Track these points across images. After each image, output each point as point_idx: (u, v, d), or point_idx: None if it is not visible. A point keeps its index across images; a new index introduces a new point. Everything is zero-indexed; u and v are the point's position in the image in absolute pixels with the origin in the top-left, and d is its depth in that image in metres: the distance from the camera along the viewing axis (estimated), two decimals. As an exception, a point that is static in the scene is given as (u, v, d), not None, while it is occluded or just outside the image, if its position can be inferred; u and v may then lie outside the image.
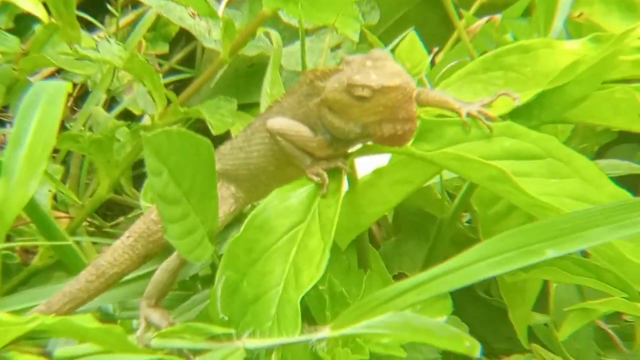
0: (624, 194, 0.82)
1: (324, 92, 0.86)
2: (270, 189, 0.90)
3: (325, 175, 0.88)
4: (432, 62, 1.27)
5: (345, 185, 0.88)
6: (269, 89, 1.18)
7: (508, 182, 0.80)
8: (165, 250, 0.96)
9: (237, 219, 0.98)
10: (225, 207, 0.96)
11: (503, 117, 0.89)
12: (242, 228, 0.85)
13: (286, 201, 0.87)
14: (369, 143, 0.91)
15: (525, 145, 0.85)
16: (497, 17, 1.19)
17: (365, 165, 0.93)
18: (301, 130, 0.90)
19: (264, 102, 1.16)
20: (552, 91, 0.91)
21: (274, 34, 1.37)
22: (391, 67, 0.83)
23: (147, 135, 0.82)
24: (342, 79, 0.84)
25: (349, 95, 0.84)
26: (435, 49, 1.26)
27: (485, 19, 1.21)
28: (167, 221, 0.85)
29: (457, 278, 0.68)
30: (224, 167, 0.96)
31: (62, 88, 0.94)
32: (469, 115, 0.87)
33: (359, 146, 0.91)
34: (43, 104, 0.92)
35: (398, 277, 1.17)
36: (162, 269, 0.95)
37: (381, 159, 0.92)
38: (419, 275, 0.69)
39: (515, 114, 0.90)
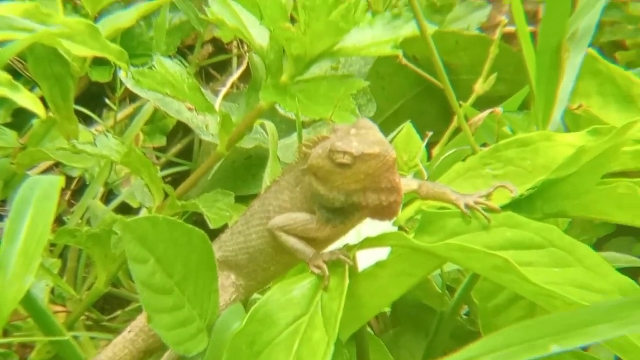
0: (628, 283, 0.82)
1: (310, 158, 0.87)
2: (269, 276, 0.91)
3: (326, 268, 0.87)
4: (429, 155, 1.27)
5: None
6: (270, 182, 1.18)
7: (513, 272, 0.80)
8: (166, 345, 0.95)
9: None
10: (226, 296, 0.96)
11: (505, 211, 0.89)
12: (244, 321, 0.84)
13: (289, 294, 0.87)
14: (372, 236, 0.91)
15: (527, 235, 0.85)
16: (499, 110, 1.20)
17: (366, 258, 0.92)
18: (299, 217, 0.90)
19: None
20: (555, 183, 0.91)
21: (270, 126, 1.38)
22: (373, 136, 0.85)
23: (127, 221, 0.82)
24: (326, 145, 0.85)
25: (331, 162, 0.85)
26: (430, 134, 1.26)
27: (487, 112, 1.21)
28: (153, 310, 0.85)
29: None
30: (224, 254, 0.97)
31: (56, 183, 0.94)
32: (467, 207, 0.88)
33: (362, 234, 0.91)
34: (37, 199, 0.92)
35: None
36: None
37: (382, 253, 0.92)
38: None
39: (518, 207, 0.90)
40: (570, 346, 0.66)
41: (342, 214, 0.90)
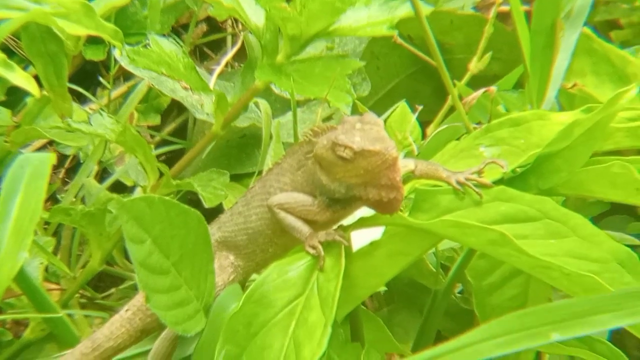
0: (624, 250, 0.82)
1: (316, 147, 0.87)
2: (268, 257, 0.91)
3: (321, 248, 0.88)
4: (424, 134, 1.27)
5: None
6: (271, 163, 1.18)
7: (509, 245, 0.80)
8: (163, 325, 0.95)
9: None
10: (224, 276, 0.96)
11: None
12: (241, 302, 0.84)
13: (285, 275, 0.87)
14: (365, 216, 0.91)
15: (520, 208, 0.85)
16: (493, 88, 1.20)
17: (360, 238, 0.93)
18: (299, 197, 0.91)
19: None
20: (547, 158, 0.91)
21: (264, 105, 1.38)
22: (377, 133, 0.84)
23: (123, 201, 0.82)
24: (331, 137, 0.85)
25: (334, 154, 0.85)
26: (420, 107, 1.26)
27: (481, 90, 1.21)
28: (150, 290, 0.85)
29: (462, 357, 0.67)
30: (223, 235, 0.97)
31: (47, 160, 0.94)
32: (458, 183, 0.88)
33: (356, 213, 0.91)
34: (28, 176, 0.92)
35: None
36: (162, 338, 0.95)
37: (376, 232, 0.92)
38: (424, 353, 0.68)
39: (512, 184, 0.90)
40: (571, 335, 0.66)
41: (343, 202, 0.90)
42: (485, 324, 0.68)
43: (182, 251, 0.86)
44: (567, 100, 1.15)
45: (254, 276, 0.99)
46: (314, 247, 0.88)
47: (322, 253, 0.87)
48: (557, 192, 0.92)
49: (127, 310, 0.97)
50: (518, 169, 0.93)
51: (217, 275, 0.93)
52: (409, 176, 0.93)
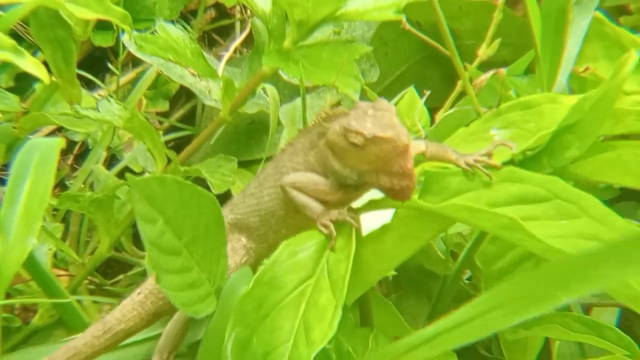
0: (636, 230, 0.82)
1: (328, 132, 0.87)
2: (280, 238, 0.90)
3: (332, 228, 0.88)
4: (432, 120, 1.27)
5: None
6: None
7: (520, 230, 0.80)
8: (175, 308, 0.95)
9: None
10: (236, 258, 0.96)
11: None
12: (251, 284, 0.84)
13: (295, 256, 0.87)
14: (376, 198, 0.91)
15: (531, 189, 0.85)
16: (503, 71, 1.19)
17: (371, 221, 0.92)
18: (312, 177, 0.91)
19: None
20: (559, 135, 0.91)
21: (272, 91, 1.37)
22: (389, 119, 0.84)
23: (136, 179, 0.82)
24: (343, 122, 0.85)
25: (345, 140, 0.85)
26: (427, 92, 1.26)
27: (491, 72, 1.21)
28: (161, 270, 0.85)
29: (469, 331, 0.66)
30: (235, 217, 0.97)
31: (55, 145, 0.94)
32: (467, 165, 0.88)
33: (367, 196, 0.91)
34: (36, 162, 0.92)
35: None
36: (174, 320, 0.95)
37: (386, 216, 0.92)
38: (429, 328, 0.68)
39: (525, 166, 0.90)
40: (579, 293, 0.65)
41: (355, 185, 0.90)
42: (487, 293, 0.67)
43: (195, 232, 0.86)
44: (578, 85, 1.14)
45: (265, 260, 0.99)
46: (326, 227, 0.88)
47: (334, 233, 0.87)
48: (570, 172, 0.92)
49: (139, 294, 0.98)
50: (529, 152, 0.92)
51: (230, 257, 0.94)
52: (420, 159, 0.93)
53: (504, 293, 0.65)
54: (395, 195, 0.87)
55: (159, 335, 0.98)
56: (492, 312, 0.65)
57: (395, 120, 0.84)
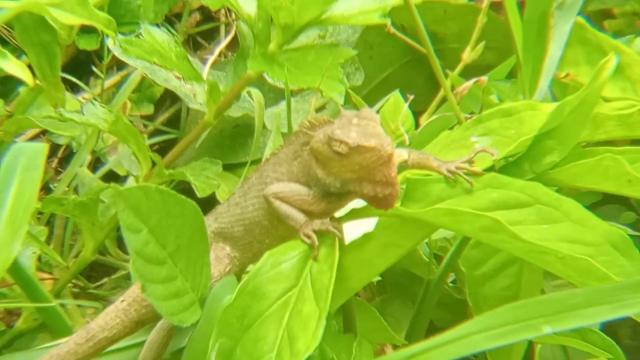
0: (617, 233, 0.83)
1: (312, 140, 0.87)
2: (265, 248, 0.90)
3: (315, 237, 0.88)
4: (417, 124, 1.27)
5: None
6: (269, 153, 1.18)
7: (502, 232, 0.80)
8: (158, 316, 0.95)
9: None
10: (220, 267, 0.96)
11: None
12: (234, 294, 0.84)
13: (278, 266, 0.87)
14: (358, 207, 0.91)
15: (512, 194, 0.85)
16: (484, 78, 1.20)
17: (353, 229, 0.92)
18: (295, 187, 0.91)
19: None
20: (539, 140, 0.92)
21: (257, 94, 1.37)
22: (372, 129, 0.84)
23: (120, 189, 0.82)
24: (328, 131, 0.85)
25: (329, 149, 0.85)
26: (411, 97, 1.26)
27: (472, 80, 1.21)
28: (146, 280, 0.85)
29: (455, 349, 0.68)
30: (219, 226, 0.97)
31: (41, 150, 0.94)
32: (449, 172, 0.88)
33: (350, 206, 0.91)
34: (22, 167, 0.92)
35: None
36: (157, 328, 0.95)
37: (369, 224, 0.92)
38: (417, 345, 0.68)
39: (506, 171, 0.90)
40: (564, 327, 0.66)
41: (339, 194, 0.90)
42: (478, 316, 0.69)
43: (179, 242, 0.86)
44: (560, 90, 1.15)
45: (250, 267, 0.99)
46: (308, 237, 0.88)
47: (317, 243, 0.88)
48: (550, 178, 0.92)
49: (122, 301, 0.97)
50: (509, 158, 0.93)
51: (213, 266, 0.93)
52: (402, 166, 0.93)
53: (494, 317, 0.67)
54: (378, 203, 0.87)
55: (142, 342, 0.98)
56: (478, 334, 0.67)
57: (379, 129, 0.84)
